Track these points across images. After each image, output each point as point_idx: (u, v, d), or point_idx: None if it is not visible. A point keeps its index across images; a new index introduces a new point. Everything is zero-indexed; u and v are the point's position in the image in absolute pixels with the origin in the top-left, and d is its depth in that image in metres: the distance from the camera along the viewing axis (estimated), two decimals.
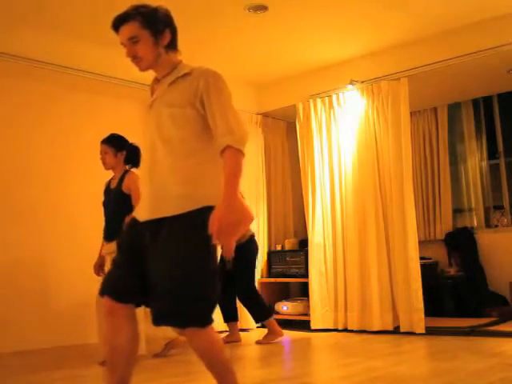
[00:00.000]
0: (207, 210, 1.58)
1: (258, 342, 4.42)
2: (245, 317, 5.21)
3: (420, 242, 4.82)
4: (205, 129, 1.69)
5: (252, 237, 4.54)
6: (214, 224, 1.51)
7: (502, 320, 4.79)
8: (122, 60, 1.99)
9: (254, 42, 4.88)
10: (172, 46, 1.82)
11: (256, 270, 4.67)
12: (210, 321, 1.63)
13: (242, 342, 4.51)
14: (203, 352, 1.66)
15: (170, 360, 3.66)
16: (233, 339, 4.47)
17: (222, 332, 4.64)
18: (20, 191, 4.46)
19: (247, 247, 4.46)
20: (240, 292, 4.51)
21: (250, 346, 4.38)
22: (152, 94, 1.83)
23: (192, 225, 1.62)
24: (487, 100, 5.97)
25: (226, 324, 4.63)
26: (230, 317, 4.58)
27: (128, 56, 1.75)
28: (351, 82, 5.16)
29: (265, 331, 4.50)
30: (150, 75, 1.85)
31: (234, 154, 1.62)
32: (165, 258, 1.59)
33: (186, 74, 1.74)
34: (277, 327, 4.45)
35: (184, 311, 1.58)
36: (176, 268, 1.57)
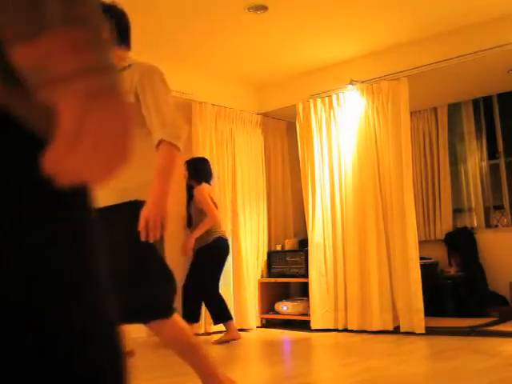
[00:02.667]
0: (139, 204, 1.56)
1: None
2: (245, 317, 5.21)
3: (420, 242, 4.82)
4: (141, 123, 1.67)
5: (219, 238, 4.52)
6: (141, 221, 1.50)
7: (502, 320, 4.79)
8: None
9: (253, 41, 4.88)
10: (120, 41, 1.81)
11: (221, 272, 4.60)
12: (171, 310, 1.62)
13: (242, 342, 4.51)
14: (173, 341, 1.64)
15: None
16: (231, 337, 4.46)
17: (221, 332, 4.63)
18: None
19: (211, 248, 4.46)
20: (194, 291, 4.49)
21: (250, 346, 4.38)
22: None
23: (125, 217, 1.60)
24: (487, 100, 5.96)
25: (222, 324, 4.60)
26: (221, 316, 4.55)
27: None
28: (351, 82, 5.16)
29: (265, 330, 4.49)
30: None
31: (167, 149, 1.59)
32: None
33: (125, 67, 1.74)
34: (235, 331, 4.51)
35: (142, 305, 1.56)
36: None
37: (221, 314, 4.50)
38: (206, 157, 4.92)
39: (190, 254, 4.47)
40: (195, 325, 4.58)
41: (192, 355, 1.67)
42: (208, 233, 4.46)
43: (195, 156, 4.94)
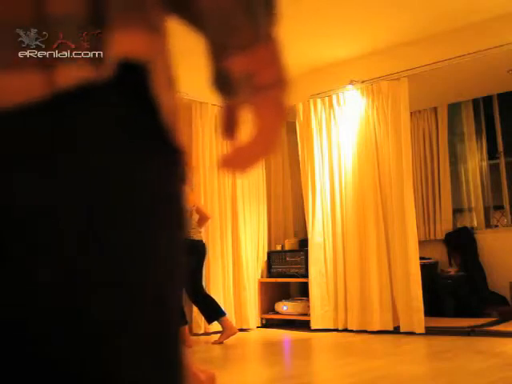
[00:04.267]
0: None
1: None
2: (245, 317, 5.22)
3: (420, 242, 4.82)
4: None
5: (195, 240, 4.50)
6: None
7: (502, 320, 4.78)
8: None
9: None
10: None
11: (202, 272, 4.64)
12: None
13: (242, 342, 4.51)
14: None
15: None
16: (228, 335, 4.43)
17: (218, 332, 4.63)
18: None
19: (191, 251, 4.45)
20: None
21: (250, 346, 4.38)
22: None
23: None
24: (487, 100, 5.96)
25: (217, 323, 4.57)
26: (212, 315, 4.53)
27: None
28: (351, 82, 5.16)
29: (265, 330, 4.50)
30: None
31: None
32: None
33: None
34: (230, 324, 4.49)
35: None
36: None
37: (211, 312, 4.49)
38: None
39: None
40: (186, 326, 4.59)
41: None
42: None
43: None
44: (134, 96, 0.43)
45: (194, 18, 0.52)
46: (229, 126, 0.58)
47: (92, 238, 0.40)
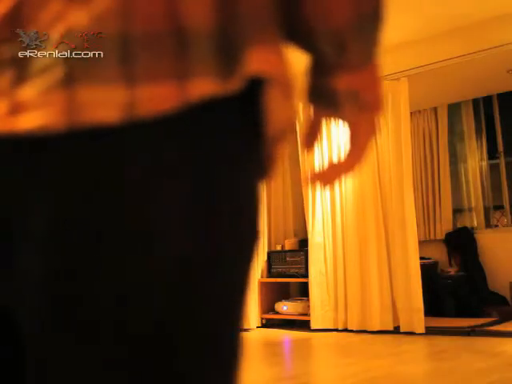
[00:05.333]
0: None
1: None
2: (245, 317, 5.22)
3: (420, 242, 4.82)
4: None
5: None
6: None
7: (502, 320, 4.79)
8: None
9: None
10: None
11: None
12: None
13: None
14: None
15: None
16: None
17: None
18: None
19: None
20: None
21: (250, 346, 4.38)
22: None
23: None
24: (487, 100, 5.97)
25: None
26: None
27: None
28: None
29: (265, 330, 4.50)
30: None
31: None
32: None
33: None
34: None
35: None
36: None
37: None
38: None
39: None
40: None
41: None
42: None
43: None
44: (248, 109, 0.45)
45: (302, 38, 0.53)
46: (310, 136, 0.63)
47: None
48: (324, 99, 0.55)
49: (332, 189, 5.24)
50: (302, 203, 5.40)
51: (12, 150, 0.39)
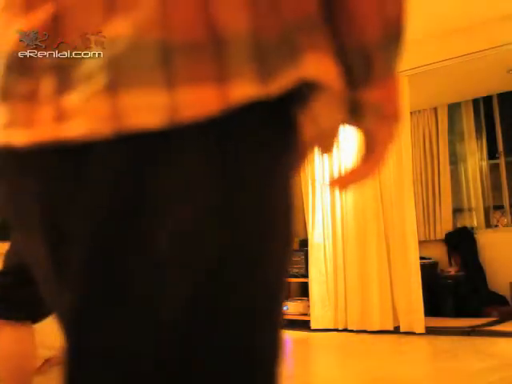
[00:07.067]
0: None
1: None
2: None
3: (420, 242, 4.82)
4: None
5: None
6: None
7: (502, 320, 4.79)
8: None
9: None
10: None
11: None
12: None
13: None
14: None
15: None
16: None
17: None
18: None
19: None
20: None
21: None
22: None
23: None
24: (487, 100, 5.97)
25: None
26: None
27: None
28: None
29: None
30: None
31: None
32: None
33: None
34: None
35: None
36: None
37: None
38: None
39: None
40: None
41: None
42: None
43: None
44: (286, 112, 0.47)
45: (334, 52, 0.56)
46: (330, 141, 0.67)
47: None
48: (350, 109, 0.58)
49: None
50: (302, 203, 5.40)
51: (59, 158, 0.40)
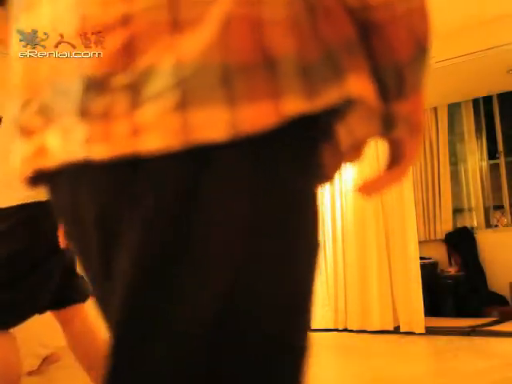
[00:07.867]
0: None
1: None
2: None
3: (420, 242, 4.82)
4: None
5: None
6: None
7: (502, 320, 4.79)
8: None
9: None
10: None
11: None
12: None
13: None
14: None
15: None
16: None
17: None
18: None
19: None
20: None
21: None
22: None
23: None
24: (487, 100, 5.97)
25: None
26: None
27: None
28: None
29: None
30: None
31: None
32: None
33: None
34: None
35: None
36: None
37: None
38: None
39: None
40: None
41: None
42: None
43: None
44: (328, 125, 0.53)
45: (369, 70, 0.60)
46: (358, 151, 0.72)
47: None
48: (382, 121, 0.63)
49: (333, 186, 5.25)
50: None
51: (132, 171, 0.43)
